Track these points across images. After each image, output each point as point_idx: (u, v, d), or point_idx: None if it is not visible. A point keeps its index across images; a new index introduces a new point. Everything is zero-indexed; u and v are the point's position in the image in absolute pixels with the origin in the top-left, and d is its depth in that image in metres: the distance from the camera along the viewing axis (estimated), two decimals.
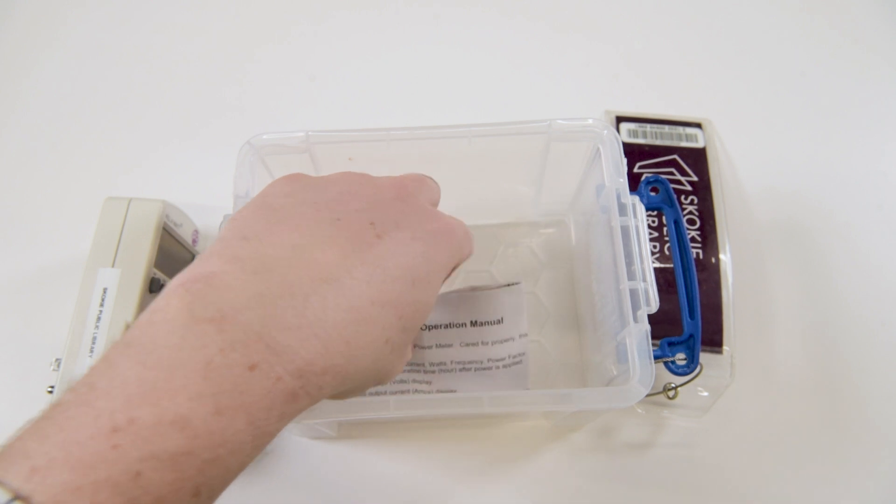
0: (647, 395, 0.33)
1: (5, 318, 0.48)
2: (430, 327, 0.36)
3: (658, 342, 0.37)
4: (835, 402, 0.45)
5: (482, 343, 0.36)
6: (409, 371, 0.38)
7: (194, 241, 0.47)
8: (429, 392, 0.37)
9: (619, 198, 0.37)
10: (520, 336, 0.37)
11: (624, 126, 0.51)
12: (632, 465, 0.43)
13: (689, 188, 0.49)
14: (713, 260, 0.46)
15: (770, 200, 0.52)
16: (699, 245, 0.47)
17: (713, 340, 0.44)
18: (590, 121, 0.39)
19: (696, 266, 0.44)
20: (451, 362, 0.37)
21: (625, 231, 0.37)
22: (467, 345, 0.36)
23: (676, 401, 0.41)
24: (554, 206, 0.48)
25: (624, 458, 0.44)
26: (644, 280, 0.36)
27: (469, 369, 0.37)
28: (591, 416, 0.43)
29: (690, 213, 0.48)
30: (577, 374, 0.45)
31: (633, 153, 0.50)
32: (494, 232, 0.49)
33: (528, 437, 0.44)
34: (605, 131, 0.39)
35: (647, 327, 0.35)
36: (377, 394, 0.41)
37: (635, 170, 0.49)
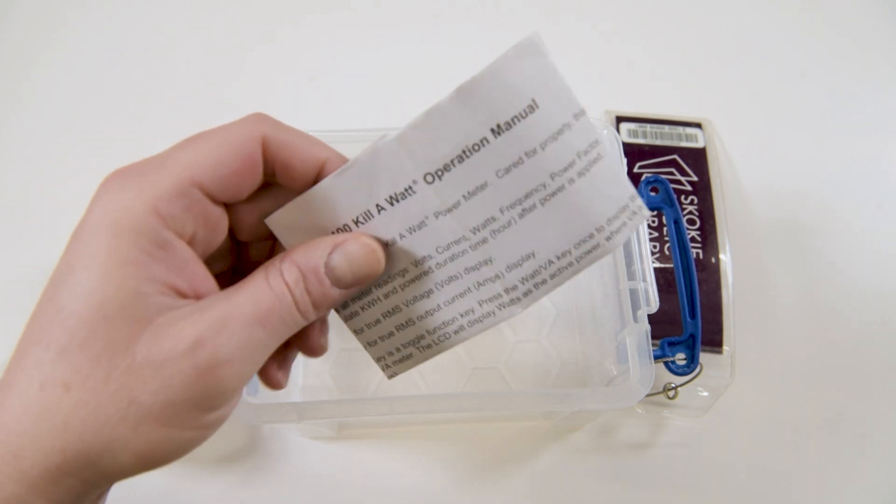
0: (647, 395, 0.34)
1: (5, 318, 0.48)
2: (436, 173, 0.23)
3: (658, 342, 0.37)
4: (835, 401, 0.45)
5: (527, 155, 0.22)
6: (448, 260, 0.25)
7: None
8: (500, 277, 0.25)
9: None
10: (575, 117, 0.23)
11: (624, 126, 0.51)
12: (632, 465, 0.43)
13: (689, 188, 0.49)
14: (713, 260, 0.46)
15: (770, 200, 0.52)
16: (699, 245, 0.47)
17: (713, 340, 0.44)
18: None
19: (696, 266, 0.44)
20: (502, 210, 0.23)
21: None
22: (507, 170, 0.23)
23: (676, 401, 0.41)
24: None
25: (624, 458, 0.44)
26: (644, 280, 0.36)
27: (533, 208, 0.23)
28: (591, 416, 0.43)
29: (690, 213, 0.48)
30: (578, 374, 0.45)
31: (633, 153, 0.50)
32: None
33: (528, 437, 0.44)
34: (605, 131, 0.39)
35: (647, 327, 0.35)
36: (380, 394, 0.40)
37: (635, 170, 0.49)
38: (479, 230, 0.24)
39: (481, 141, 0.22)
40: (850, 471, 0.43)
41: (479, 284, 0.25)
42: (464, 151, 0.23)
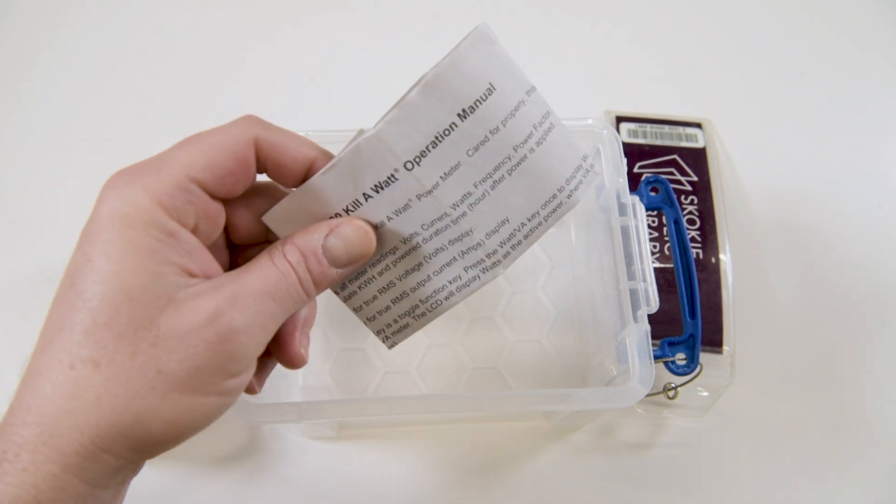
0: (647, 395, 0.34)
1: (5, 318, 0.48)
2: (414, 160, 0.25)
3: (658, 342, 0.37)
4: (835, 401, 0.45)
5: (491, 133, 0.25)
6: (433, 235, 0.27)
7: None
8: (481, 244, 0.27)
9: (618, 198, 0.37)
10: (527, 93, 0.26)
11: (624, 126, 0.51)
12: (632, 465, 0.43)
13: (689, 188, 0.49)
14: (713, 260, 0.46)
15: (770, 200, 0.52)
16: (699, 245, 0.47)
17: (713, 340, 0.44)
18: (590, 121, 0.39)
19: (696, 266, 0.44)
20: (476, 185, 0.26)
21: (625, 231, 0.37)
22: (476, 148, 0.25)
23: (676, 401, 0.41)
24: None
25: (624, 458, 0.44)
26: (644, 280, 0.36)
27: (502, 179, 0.26)
28: (591, 416, 0.43)
29: (690, 213, 0.48)
30: (578, 374, 0.45)
31: (633, 153, 0.50)
32: None
33: (528, 437, 0.44)
34: (605, 131, 0.39)
35: (647, 327, 0.35)
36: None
37: (635, 170, 0.49)
38: (458, 205, 0.26)
39: (450, 126, 0.25)
40: (849, 471, 0.43)
41: (464, 253, 0.28)
42: (436, 137, 0.25)
